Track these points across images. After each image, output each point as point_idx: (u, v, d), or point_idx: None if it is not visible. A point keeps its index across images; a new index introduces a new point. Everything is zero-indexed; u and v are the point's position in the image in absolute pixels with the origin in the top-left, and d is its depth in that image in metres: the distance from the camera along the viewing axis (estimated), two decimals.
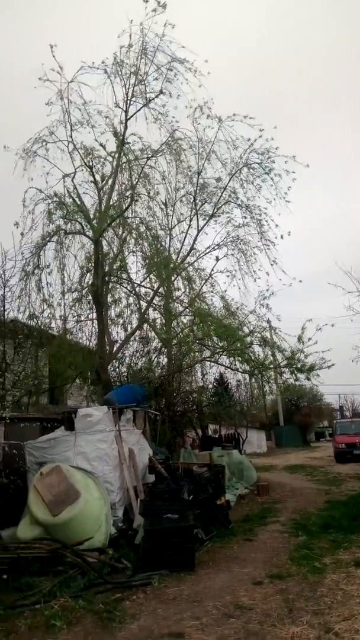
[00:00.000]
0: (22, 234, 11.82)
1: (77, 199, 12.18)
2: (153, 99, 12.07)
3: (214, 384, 19.15)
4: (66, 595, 5.15)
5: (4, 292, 8.03)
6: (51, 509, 6.59)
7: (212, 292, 14.34)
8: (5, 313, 8.25)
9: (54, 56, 10.89)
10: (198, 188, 13.34)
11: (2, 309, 8.10)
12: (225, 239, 13.93)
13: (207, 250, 13.91)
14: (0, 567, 5.71)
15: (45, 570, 5.92)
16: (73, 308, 12.98)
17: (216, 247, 13.90)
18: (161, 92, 11.93)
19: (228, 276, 13.86)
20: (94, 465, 7.82)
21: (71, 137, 11.83)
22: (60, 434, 8.24)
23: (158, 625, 4.45)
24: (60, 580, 5.54)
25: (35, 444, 8.23)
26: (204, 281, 14.20)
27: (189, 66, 11.53)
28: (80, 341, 13.22)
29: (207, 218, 13.51)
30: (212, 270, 13.97)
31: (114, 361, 13.40)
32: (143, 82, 11.97)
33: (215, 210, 13.39)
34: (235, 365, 13.72)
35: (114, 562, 6.26)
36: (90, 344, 13.14)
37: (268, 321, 13.60)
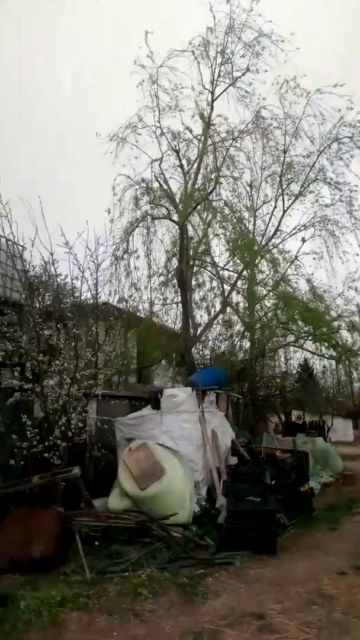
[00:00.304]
0: (111, 220, 12.31)
1: (163, 184, 12.38)
2: (240, 77, 11.87)
3: (298, 369, 18.77)
4: (152, 566, 5.43)
5: (97, 277, 8.40)
6: (139, 483, 6.93)
7: (297, 274, 13.95)
8: (97, 297, 8.66)
9: (146, 42, 11.09)
10: (284, 167, 12.94)
11: (95, 292, 8.49)
12: (312, 220, 13.45)
13: (293, 232, 13.54)
14: (94, 534, 6.15)
15: (132, 540, 6.28)
16: (159, 291, 13.35)
17: (302, 228, 13.49)
18: (248, 69, 11.71)
19: (314, 258, 13.39)
20: (179, 444, 8.07)
21: (159, 122, 11.99)
22: (147, 413, 8.60)
23: (240, 604, 4.57)
24: (147, 551, 5.85)
25: (125, 420, 8.67)
26: (289, 264, 13.84)
27: (276, 39, 11.15)
28: (166, 324, 13.58)
29: (293, 198, 13.10)
30: (298, 252, 13.59)
31: (197, 344, 13.60)
32: (230, 61, 11.79)
33: (303, 189, 12.93)
34: (320, 350, 13.34)
35: (198, 539, 6.48)
36: (175, 326, 13.46)
37: (357, 305, 12.98)
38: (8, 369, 8.07)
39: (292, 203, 13.20)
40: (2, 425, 6.68)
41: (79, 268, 8.07)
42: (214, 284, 14.01)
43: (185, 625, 4.18)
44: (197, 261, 13.11)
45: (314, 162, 12.61)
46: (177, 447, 8.02)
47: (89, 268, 8.25)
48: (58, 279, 8.94)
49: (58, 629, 4.20)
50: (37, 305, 8.26)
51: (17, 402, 7.32)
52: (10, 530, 5.81)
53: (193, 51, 11.71)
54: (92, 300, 8.81)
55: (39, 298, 8.60)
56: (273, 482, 7.33)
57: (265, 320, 13.41)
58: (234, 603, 4.61)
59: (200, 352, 14.38)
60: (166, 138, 12.19)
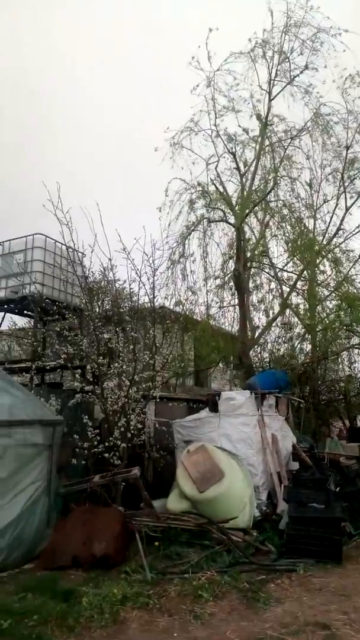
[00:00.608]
0: (169, 224, 12.44)
1: (219, 187, 12.35)
2: (298, 75, 11.65)
3: None
4: (212, 569, 5.36)
5: (154, 281, 8.51)
6: (198, 485, 6.89)
7: None
8: (154, 300, 8.77)
9: (206, 43, 11.13)
10: (347, 164, 12.52)
11: (152, 296, 8.60)
12: None
13: (357, 230, 13.01)
14: (154, 534, 6.18)
15: (192, 542, 6.24)
16: (216, 294, 13.30)
17: None
18: (306, 67, 11.46)
19: None
20: (237, 448, 7.96)
21: (215, 124, 11.99)
22: (205, 415, 8.55)
23: (303, 612, 4.40)
24: (207, 554, 5.80)
25: (183, 422, 8.68)
26: (352, 263, 13.32)
27: (334, 33, 10.84)
28: (223, 326, 13.49)
29: (355, 196, 12.63)
30: None
31: (255, 346, 13.40)
32: (287, 60, 11.60)
33: None
34: None
35: (259, 544, 6.33)
36: (233, 329, 13.33)
37: None
38: (70, 371, 8.33)
39: (356, 200, 12.74)
40: (65, 426, 6.89)
41: (136, 273, 8.24)
42: (272, 285, 13.79)
43: (247, 631, 4.08)
44: (254, 263, 12.94)
45: None
46: (236, 450, 7.92)
47: (146, 272, 8.39)
48: (116, 284, 9.15)
49: (119, 626, 4.24)
50: (97, 309, 8.50)
51: (78, 403, 7.55)
52: (73, 528, 5.95)
53: (250, 53, 11.64)
54: (149, 304, 8.93)
55: (99, 303, 8.83)
56: (337, 489, 7.04)
57: (327, 322, 12.97)
58: (297, 611, 4.44)
59: (259, 355, 14.15)
60: (222, 140, 12.17)
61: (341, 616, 4.28)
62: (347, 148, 12.38)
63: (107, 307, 9.32)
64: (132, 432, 7.50)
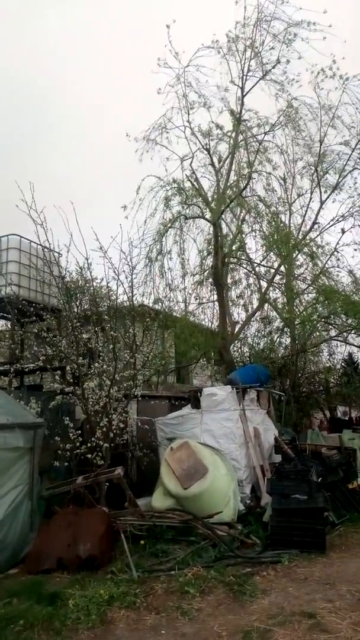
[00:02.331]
0: (145, 221, 12.39)
1: (195, 183, 12.34)
2: (270, 69, 11.68)
3: (343, 364, 18.22)
4: (198, 564, 5.40)
5: (132, 279, 8.47)
6: (182, 482, 6.91)
7: (338, 267, 13.56)
8: (133, 298, 8.73)
9: (170, 41, 11.07)
10: (319, 158, 12.65)
11: (131, 294, 8.56)
12: (350, 209, 13.05)
13: (331, 223, 13.17)
14: (139, 533, 6.17)
15: (178, 539, 6.27)
16: (194, 291, 13.32)
17: (341, 219, 13.09)
18: (278, 61, 11.50)
19: (355, 250, 12.99)
20: (220, 443, 8.01)
21: (188, 121, 11.97)
22: (188, 412, 8.58)
23: (289, 603, 4.45)
24: (193, 550, 5.82)
25: (165, 420, 8.69)
26: (328, 256, 13.49)
27: (306, 26, 10.93)
28: (203, 323, 13.52)
29: (330, 189, 12.77)
30: (338, 243, 13.21)
31: (236, 341, 13.47)
32: (259, 54, 11.63)
33: (340, 179, 12.58)
34: None
35: (244, 537, 6.38)
36: (213, 325, 13.38)
37: None
38: (49, 373, 8.24)
39: (330, 194, 12.89)
40: (46, 428, 6.82)
41: (114, 271, 8.18)
42: (251, 280, 13.86)
43: (234, 624, 4.11)
44: (232, 259, 12.99)
45: (352, 151, 12.27)
46: (219, 446, 7.96)
47: (124, 271, 8.34)
48: (94, 283, 9.05)
49: (106, 626, 4.23)
50: (75, 309, 8.39)
51: (59, 404, 7.48)
52: (57, 530, 5.90)
53: (220, 49, 11.64)
54: (128, 303, 8.88)
55: (77, 302, 8.73)
56: (319, 480, 7.13)
57: (305, 315, 13.10)
58: (283, 602, 4.49)
59: (239, 350, 14.23)
60: (196, 137, 12.16)
61: (326, 604, 4.34)
62: (320, 142, 12.51)
63: (86, 306, 9.22)
64: (115, 431, 7.46)
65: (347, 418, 18.13)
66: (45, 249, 8.31)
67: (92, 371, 7.81)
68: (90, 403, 7.51)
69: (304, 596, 4.60)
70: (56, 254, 8.59)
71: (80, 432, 7.37)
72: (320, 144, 12.51)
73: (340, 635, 3.74)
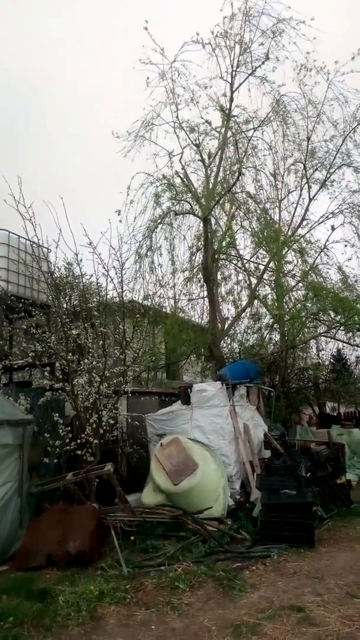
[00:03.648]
0: (135, 218, 12.31)
1: (185, 179, 12.29)
2: (259, 65, 11.66)
3: (331, 360, 18.37)
4: (188, 559, 5.42)
5: (122, 275, 8.44)
6: (172, 478, 6.92)
7: (327, 264, 13.61)
8: (123, 294, 8.69)
9: (153, 39, 10.93)
10: (308, 155, 12.68)
11: (120, 290, 8.52)
12: (340, 206, 13.12)
13: (321, 220, 13.22)
14: (129, 529, 6.18)
15: (168, 534, 6.28)
16: (184, 287, 13.30)
17: (330, 216, 13.14)
18: (267, 57, 11.47)
19: (345, 246, 13.06)
20: (210, 439, 8.03)
21: (177, 117, 11.90)
22: (178, 408, 8.58)
23: (278, 597, 4.49)
24: (183, 545, 5.84)
25: (155, 416, 8.69)
26: (318, 253, 13.54)
27: (295, 25, 10.94)
28: (193, 319, 13.51)
29: (318, 185, 12.81)
30: (327, 240, 13.26)
31: (225, 338, 13.49)
32: (248, 50, 11.60)
33: (328, 176, 12.63)
34: (354, 340, 13.01)
35: (233, 533, 6.42)
36: (202, 321, 13.38)
37: None
38: (38, 369, 8.19)
39: (318, 191, 12.93)
40: (35, 425, 6.78)
41: (104, 267, 8.13)
42: (240, 277, 13.86)
43: (224, 618, 4.14)
44: (221, 255, 12.97)
45: (339, 147, 12.32)
46: (209, 442, 7.99)
47: (113, 267, 8.30)
48: (84, 279, 9.02)
49: (97, 622, 4.23)
50: (64, 305, 8.35)
51: (48, 401, 7.44)
52: (47, 527, 5.89)
53: (209, 42, 11.57)
54: (118, 299, 8.85)
55: (66, 298, 8.68)
56: (308, 475, 7.19)
57: (294, 311, 13.15)
58: (272, 596, 4.53)
59: (229, 346, 14.26)
60: (185, 132, 12.09)
61: (315, 598, 4.39)
62: (308, 139, 12.53)
63: (75, 302, 9.17)
64: (105, 428, 7.45)
65: (335, 414, 18.32)
66: (34, 245, 8.24)
67: (81, 367, 7.78)
68: (80, 399, 7.49)
69: (293, 590, 4.64)
70: (45, 250, 8.52)
71: (69, 428, 7.34)
72: (308, 140, 12.54)
73: (328, 628, 3.79)
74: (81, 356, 7.99)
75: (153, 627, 4.11)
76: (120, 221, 11.95)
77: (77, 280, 9.14)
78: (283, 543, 5.92)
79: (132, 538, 6.07)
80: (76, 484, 6.65)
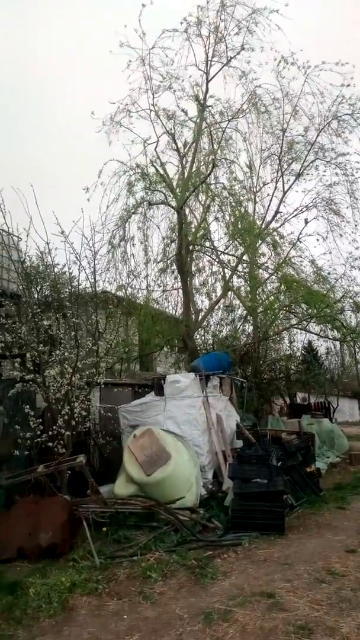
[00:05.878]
0: (107, 206, 12.13)
1: (159, 169, 12.17)
2: (234, 56, 11.62)
3: (303, 351, 18.68)
4: (161, 549, 5.45)
5: (94, 265, 8.32)
6: (145, 468, 6.93)
7: (300, 257, 13.74)
8: (96, 285, 8.57)
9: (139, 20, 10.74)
10: (283, 147, 12.76)
11: (93, 280, 8.41)
12: (314, 200, 13.27)
13: (295, 213, 13.34)
14: (102, 520, 6.16)
15: (140, 525, 6.30)
16: (158, 278, 13.23)
17: (304, 209, 13.28)
18: (242, 48, 11.44)
19: (318, 239, 13.23)
20: (183, 429, 8.06)
21: (153, 104, 11.75)
22: (151, 399, 8.57)
23: (249, 584, 4.56)
24: (155, 535, 5.86)
25: (128, 407, 8.65)
26: (291, 246, 13.66)
27: (269, 13, 10.93)
28: (167, 310, 13.47)
29: (293, 178, 12.91)
30: (300, 233, 13.39)
31: (199, 329, 13.52)
32: (223, 40, 11.54)
33: (302, 169, 12.74)
34: (325, 332, 13.24)
35: (205, 522, 6.48)
36: (176, 312, 13.36)
37: None
38: (8, 360, 8.03)
39: (292, 184, 13.03)
40: (5, 417, 6.66)
41: (76, 257, 8.00)
42: (215, 268, 13.85)
43: (195, 606, 4.17)
44: (196, 246, 12.95)
45: (314, 142, 12.42)
46: (182, 432, 8.01)
47: (86, 256, 8.18)
48: (55, 269, 8.85)
49: (68, 613, 4.21)
50: (35, 295, 8.19)
51: (19, 393, 7.31)
52: (17, 519, 5.82)
53: (186, 29, 11.44)
54: (90, 289, 8.74)
55: (37, 288, 8.51)
56: (279, 464, 7.32)
57: (267, 303, 13.26)
58: (243, 583, 4.60)
59: (203, 338, 14.30)
60: (161, 121, 11.96)
61: (285, 584, 4.48)
62: (284, 132, 12.59)
63: (47, 292, 9.00)
64: (77, 419, 7.38)
65: (306, 404, 18.67)
66: (4, 233, 8.04)
67: (53, 359, 7.66)
68: (52, 391, 7.38)
69: (263, 577, 4.72)
70: (15, 238, 8.32)
71: (41, 420, 7.24)
72: (283, 133, 12.60)
73: (297, 613, 3.87)
74: (53, 347, 7.86)
75: (125, 617, 4.12)
76: (88, 200, 11.66)
77: (48, 270, 8.96)
78: (254, 531, 6.01)
79: (104, 529, 6.05)
80: (47, 476, 6.58)
